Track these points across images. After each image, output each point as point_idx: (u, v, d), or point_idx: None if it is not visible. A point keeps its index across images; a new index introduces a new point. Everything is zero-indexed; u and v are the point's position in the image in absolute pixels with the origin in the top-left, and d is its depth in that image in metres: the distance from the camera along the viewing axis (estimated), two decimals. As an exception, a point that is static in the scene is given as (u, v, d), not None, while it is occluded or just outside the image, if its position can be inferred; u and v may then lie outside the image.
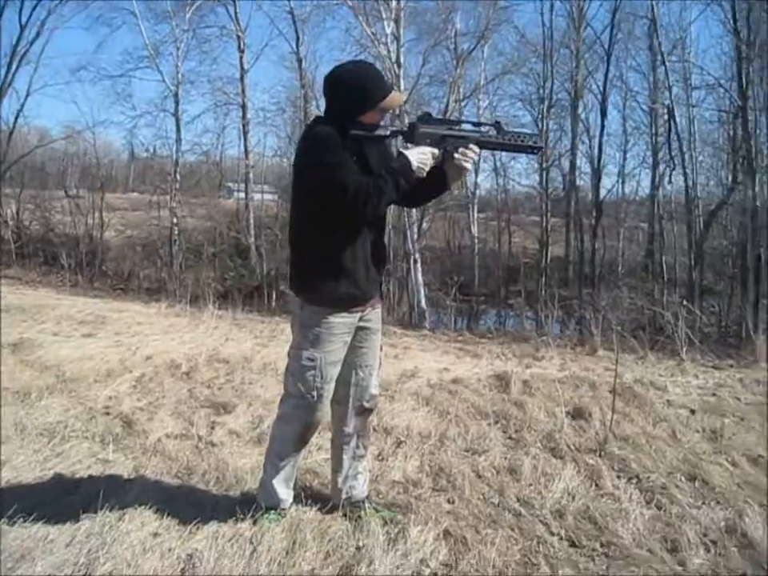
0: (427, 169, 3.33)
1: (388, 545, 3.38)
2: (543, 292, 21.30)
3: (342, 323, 3.38)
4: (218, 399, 5.98)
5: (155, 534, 3.38)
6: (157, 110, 25.12)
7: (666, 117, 22.53)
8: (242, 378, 6.87)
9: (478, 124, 3.65)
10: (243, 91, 24.89)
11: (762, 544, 3.65)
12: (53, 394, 5.86)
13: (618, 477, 4.56)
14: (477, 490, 4.24)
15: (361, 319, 3.48)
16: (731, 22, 19.93)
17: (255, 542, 3.32)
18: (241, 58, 24.73)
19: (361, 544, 3.38)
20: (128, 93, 26.99)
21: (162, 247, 24.65)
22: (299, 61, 24.69)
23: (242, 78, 24.88)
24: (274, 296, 21.16)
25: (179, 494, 3.95)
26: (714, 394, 6.97)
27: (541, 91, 25.46)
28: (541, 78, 25.38)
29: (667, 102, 22.12)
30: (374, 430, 4.87)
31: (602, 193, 25.03)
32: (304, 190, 3.37)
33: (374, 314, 3.58)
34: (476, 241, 27.06)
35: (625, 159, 27.25)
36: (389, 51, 19.86)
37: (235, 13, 24.28)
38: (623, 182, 27.48)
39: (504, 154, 20.88)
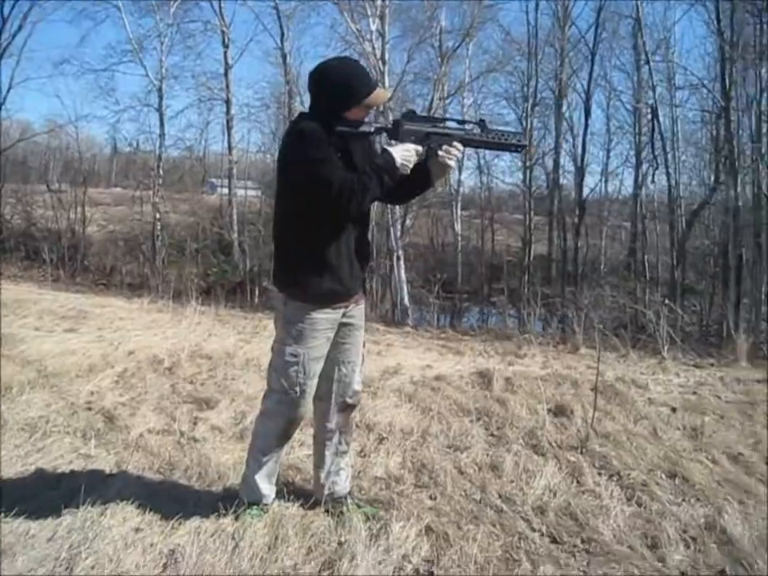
0: (411, 166, 3.33)
1: (370, 540, 3.38)
2: (526, 290, 21.41)
3: (325, 319, 3.39)
4: (201, 395, 5.97)
5: (137, 530, 3.37)
6: (140, 105, 25.16)
7: (649, 116, 22.71)
8: (225, 373, 6.85)
9: (462, 122, 3.66)
10: (227, 87, 24.90)
11: (741, 541, 3.67)
12: (34, 388, 5.82)
13: (599, 474, 4.58)
14: (459, 486, 4.25)
15: (344, 315, 3.48)
16: (715, 22, 20.10)
17: (237, 538, 3.31)
18: (225, 53, 24.79)
19: (343, 539, 3.38)
20: (111, 87, 26.79)
21: (145, 242, 24.62)
22: (284, 57, 24.72)
23: (226, 74, 24.90)
24: (257, 292, 21.19)
25: (161, 489, 3.93)
26: (694, 393, 7.01)
27: (525, 89, 25.62)
28: (525, 76, 25.54)
29: (651, 101, 22.29)
30: (357, 426, 4.88)
31: (585, 191, 25.27)
32: (288, 185, 3.36)
33: (357, 311, 3.58)
34: (459, 238, 27.13)
35: (608, 158, 27.50)
36: (374, 48, 19.87)
37: (220, 8, 24.35)
38: (606, 181, 27.71)
39: (488, 152, 20.95)
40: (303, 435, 4.52)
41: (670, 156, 22.07)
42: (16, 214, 26.09)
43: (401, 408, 5.84)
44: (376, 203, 3.84)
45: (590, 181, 35.48)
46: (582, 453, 4.92)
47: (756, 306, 18.36)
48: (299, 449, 4.57)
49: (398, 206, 18.36)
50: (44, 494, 3.77)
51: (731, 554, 3.56)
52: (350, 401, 3.66)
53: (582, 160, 25.00)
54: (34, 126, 35.10)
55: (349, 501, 3.72)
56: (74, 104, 69.36)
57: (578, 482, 4.43)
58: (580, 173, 24.84)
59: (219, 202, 28.06)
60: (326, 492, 3.71)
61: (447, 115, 24.65)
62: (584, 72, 25.12)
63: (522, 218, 26.78)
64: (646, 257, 23.19)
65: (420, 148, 3.35)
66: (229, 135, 25.38)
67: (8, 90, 25.42)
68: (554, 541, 3.64)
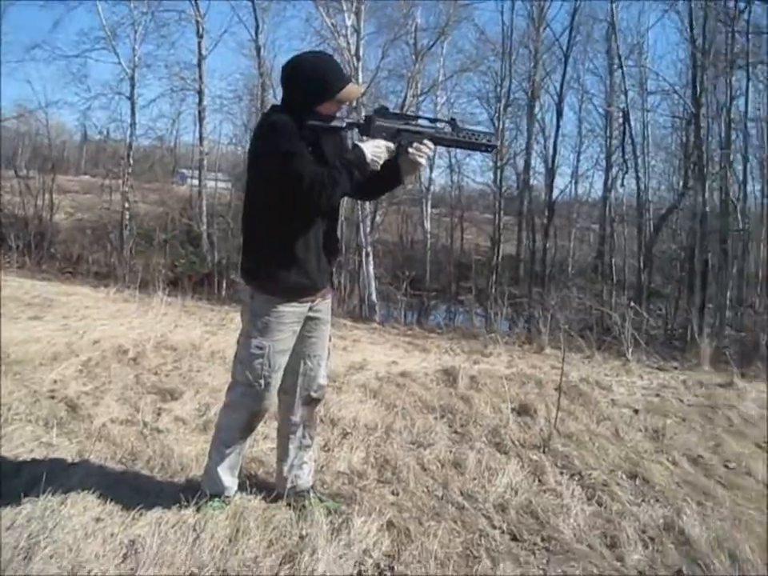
0: (381, 162, 3.34)
1: (331, 534, 3.39)
2: (493, 289, 21.47)
3: (291, 312, 3.39)
4: (165, 386, 5.95)
5: (98, 519, 3.35)
6: (112, 93, 24.80)
7: (620, 120, 22.84)
8: (190, 365, 6.84)
9: (434, 120, 3.67)
10: (200, 77, 24.68)
11: (698, 542, 3.71)
12: (-4, 376, 5.78)
13: (561, 473, 4.62)
14: (421, 482, 4.27)
15: (311, 309, 3.48)
16: (688, 30, 20.32)
17: (198, 529, 3.30)
18: (199, 43, 24.53)
19: (304, 533, 3.38)
20: (83, 74, 26.66)
21: (113, 232, 24.40)
22: (258, 49, 24.53)
23: (199, 64, 24.67)
24: (225, 284, 21.10)
25: (123, 479, 3.91)
26: (657, 395, 7.08)
27: (498, 90, 25.73)
28: (499, 76, 25.67)
29: (623, 105, 22.42)
30: (321, 420, 4.87)
31: (555, 193, 25.41)
32: (259, 178, 3.36)
33: (324, 305, 3.59)
34: (429, 236, 27.25)
35: (578, 160, 27.69)
36: (348, 43, 19.83)
37: (195, -2, 24.10)
38: (576, 183, 27.91)
39: (459, 150, 20.99)
40: (267, 428, 4.53)
41: (640, 160, 22.25)
42: (-19, 199, 25.76)
43: (365, 403, 5.85)
44: (346, 199, 3.84)
45: (560, 182, 35.82)
46: (544, 452, 4.96)
47: (720, 311, 18.58)
48: (263, 442, 4.57)
49: (367, 202, 18.40)
50: (4, 482, 3.73)
51: (688, 554, 3.61)
52: (314, 395, 3.67)
53: (553, 161, 25.17)
54: (3, 111, 34.78)
55: (311, 495, 3.72)
56: (44, 90, 68.69)
57: (539, 480, 4.46)
58: (550, 174, 24.99)
59: (189, 193, 27.87)
60: (289, 485, 3.71)
61: (420, 113, 24.77)
62: (557, 74, 25.34)
63: (491, 217, 26.94)
64: (613, 259, 23.35)
65: (391, 145, 3.36)
66: (200, 126, 25.21)
67: (-24, 74, 25.06)
68: (514, 539, 3.67)
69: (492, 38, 26.05)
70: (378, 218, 22.51)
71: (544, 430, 5.41)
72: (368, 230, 20.38)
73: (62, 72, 43.12)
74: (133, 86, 24.39)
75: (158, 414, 5.21)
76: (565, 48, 24.27)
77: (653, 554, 3.60)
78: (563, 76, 24.75)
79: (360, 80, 19.32)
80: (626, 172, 22.78)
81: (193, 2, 24.11)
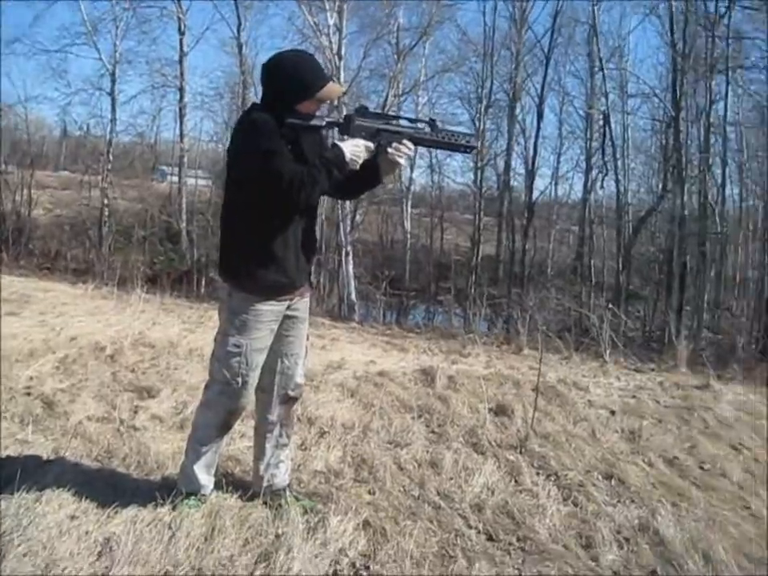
0: (360, 161, 3.34)
1: (307, 533, 3.38)
2: (472, 290, 21.53)
3: (269, 311, 3.38)
4: (142, 383, 5.92)
5: (72, 517, 3.33)
6: (92, 88, 24.68)
7: (601, 122, 22.98)
8: (168, 362, 6.80)
9: (413, 120, 3.67)
10: (182, 74, 24.62)
11: (673, 542, 3.74)
12: (-29, 372, 5.73)
13: (537, 473, 4.64)
14: (398, 482, 4.27)
15: (288, 308, 3.48)
16: (668, 33, 20.47)
17: (174, 528, 3.29)
18: (181, 40, 24.47)
19: (280, 532, 3.38)
20: (63, 69, 26.38)
21: (92, 228, 24.28)
22: (240, 47, 24.47)
23: (180, 61, 24.60)
24: (204, 282, 21.08)
25: (98, 477, 3.89)
26: (634, 396, 7.12)
27: (479, 90, 25.83)
28: (480, 77, 25.77)
29: (603, 108, 22.54)
30: (298, 419, 4.89)
31: (535, 194, 25.58)
32: (239, 176, 3.35)
33: (302, 303, 3.58)
34: (408, 236, 27.28)
35: (559, 162, 27.87)
36: (330, 42, 19.85)
37: (177, -6, 24.01)
38: (556, 185, 28.09)
39: (440, 151, 21.03)
40: (244, 427, 4.52)
41: (619, 162, 22.41)
42: (-42, 193, 25.56)
43: (343, 403, 5.85)
44: (326, 198, 3.84)
45: (540, 184, 35.89)
46: (521, 452, 4.97)
47: (698, 314, 18.69)
48: (240, 440, 4.56)
49: (347, 202, 18.42)
50: (-22, 479, 3.72)
51: (663, 555, 3.63)
52: (291, 393, 3.66)
53: (533, 163, 25.29)
54: (-19, 106, 34.50)
55: (287, 493, 3.72)
56: (24, 84, 67.98)
57: (516, 481, 4.48)
58: (530, 175, 25.11)
59: (169, 190, 27.77)
60: (265, 484, 3.70)
61: (402, 113, 24.77)
62: (538, 76, 25.49)
63: (471, 218, 27.04)
64: (592, 261, 23.49)
65: (370, 144, 3.36)
66: (181, 123, 25.12)
67: (-46, 67, 24.85)
68: (490, 538, 3.68)
69: (474, 39, 26.21)
70: (358, 218, 22.54)
71: (521, 431, 5.43)
72: (348, 229, 20.39)
73: (42, 67, 42.99)
74: (113, 82, 24.32)
75: (135, 412, 5.18)
76: (546, 50, 24.45)
77: (627, 555, 3.62)
78: (544, 78, 24.94)
79: (342, 79, 19.34)
80: (606, 174, 22.97)
81: (175, -2, 24.03)
